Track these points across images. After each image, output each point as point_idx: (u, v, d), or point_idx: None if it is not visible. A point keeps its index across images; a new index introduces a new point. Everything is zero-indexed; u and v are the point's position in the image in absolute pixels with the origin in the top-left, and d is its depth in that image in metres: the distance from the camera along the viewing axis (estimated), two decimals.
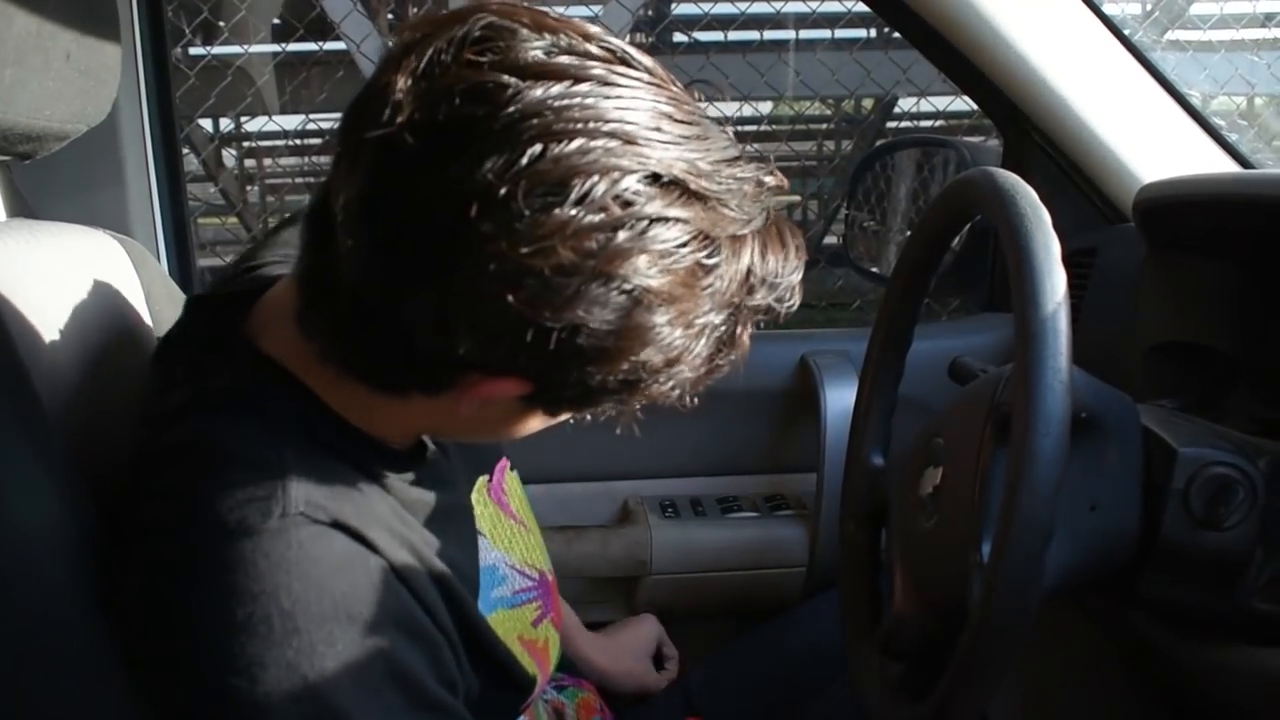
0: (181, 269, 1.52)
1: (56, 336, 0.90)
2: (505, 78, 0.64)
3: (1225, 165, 1.41)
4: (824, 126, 7.43)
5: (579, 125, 0.64)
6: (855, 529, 1.14)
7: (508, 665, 0.91)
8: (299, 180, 6.76)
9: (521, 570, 1.02)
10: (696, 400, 0.77)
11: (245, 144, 7.02)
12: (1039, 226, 0.85)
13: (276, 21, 4.82)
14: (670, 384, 0.74)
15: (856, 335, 1.60)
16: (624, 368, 0.70)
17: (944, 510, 0.96)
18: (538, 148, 0.63)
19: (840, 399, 1.49)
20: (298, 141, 5.71)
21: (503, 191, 0.63)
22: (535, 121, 0.64)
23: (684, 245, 0.68)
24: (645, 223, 0.66)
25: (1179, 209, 1.19)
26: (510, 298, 0.65)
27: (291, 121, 5.71)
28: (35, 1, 0.89)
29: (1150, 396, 1.19)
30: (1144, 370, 1.24)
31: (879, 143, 5.65)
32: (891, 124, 6.67)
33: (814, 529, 1.53)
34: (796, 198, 8.02)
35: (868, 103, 6.91)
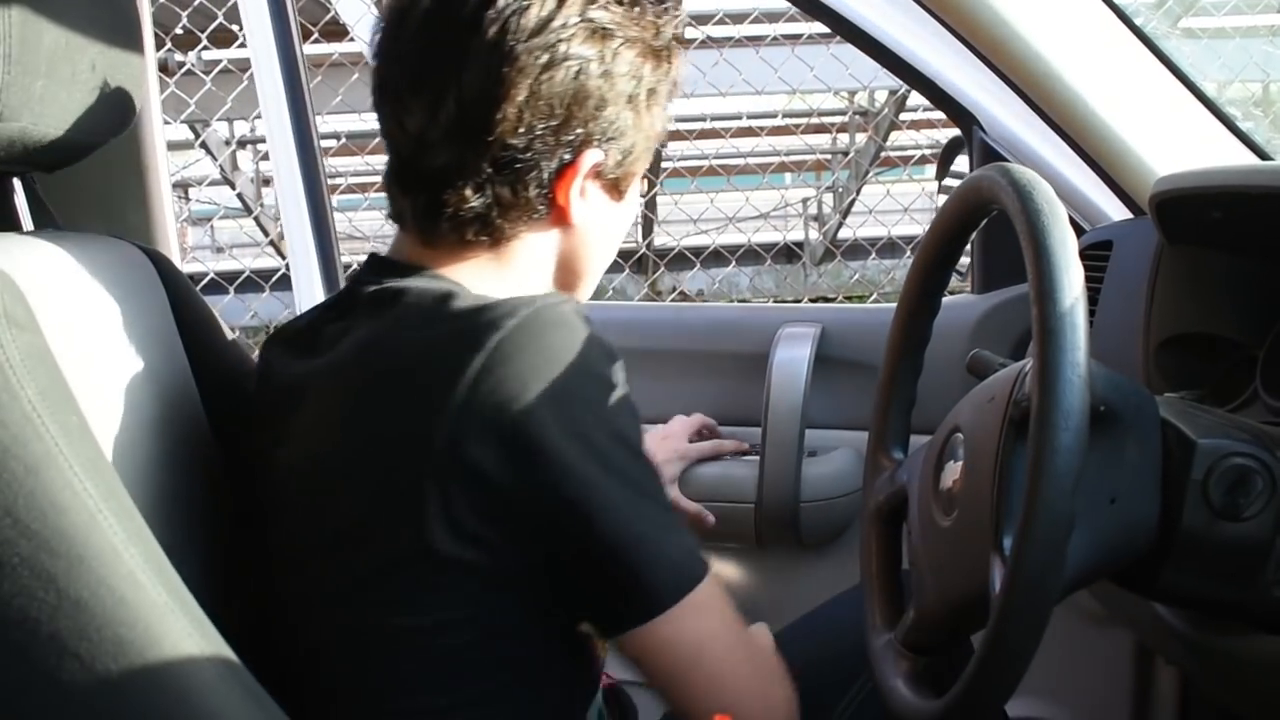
0: None
1: (88, 346, 0.91)
2: None
3: (1241, 156, 1.41)
4: (838, 120, 7.42)
5: None
6: (876, 524, 1.15)
7: None
8: None
9: None
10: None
11: (261, 147, 7.05)
12: (1055, 221, 0.86)
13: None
14: (655, 114, 1.03)
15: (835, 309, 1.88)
16: (621, 89, 0.98)
17: (964, 505, 0.96)
18: None
19: (788, 355, 1.70)
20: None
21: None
22: None
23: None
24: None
25: (1195, 202, 1.19)
26: (546, 74, 0.94)
27: None
28: (62, 13, 0.90)
29: (1165, 389, 1.19)
30: (1159, 362, 1.24)
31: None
32: (906, 116, 6.66)
33: (760, 470, 1.69)
34: (811, 191, 8.01)
35: (881, 96, 6.90)
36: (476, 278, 0.99)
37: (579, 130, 0.97)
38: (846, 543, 1.75)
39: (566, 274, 1.06)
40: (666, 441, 1.69)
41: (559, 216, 1.01)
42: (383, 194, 1.05)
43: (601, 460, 0.90)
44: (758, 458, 1.72)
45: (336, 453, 0.96)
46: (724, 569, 1.80)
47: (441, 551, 0.89)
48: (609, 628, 0.97)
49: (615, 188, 1.04)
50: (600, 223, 1.05)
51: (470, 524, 0.88)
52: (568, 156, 0.98)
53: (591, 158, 0.99)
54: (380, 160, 1.06)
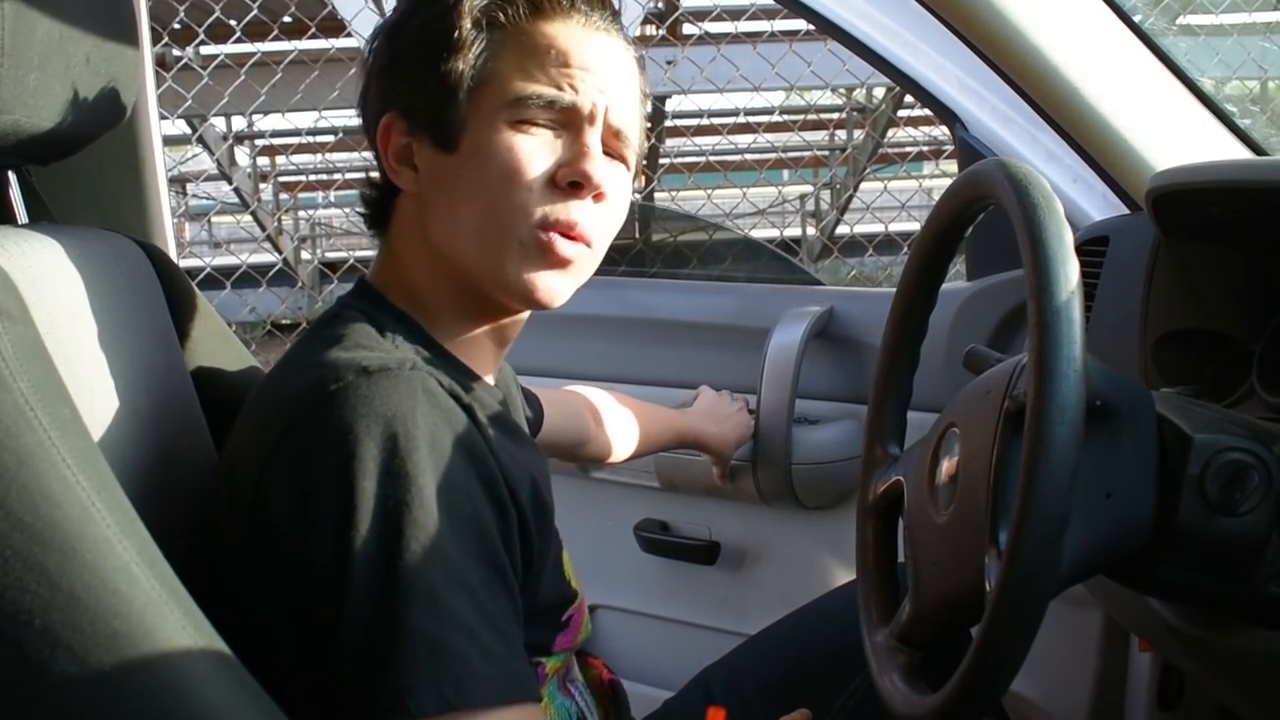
0: None
1: (82, 339, 0.91)
2: None
3: (1238, 152, 1.41)
4: (836, 116, 7.42)
5: None
6: (872, 519, 1.14)
7: (559, 568, 1.08)
8: (312, 177, 6.79)
9: None
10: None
11: (258, 142, 7.05)
12: (1052, 216, 0.86)
13: (288, 19, 4.83)
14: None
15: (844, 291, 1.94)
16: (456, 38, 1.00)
17: (960, 500, 0.96)
18: None
19: (787, 329, 1.80)
20: (310, 139, 5.72)
21: None
22: None
23: None
24: None
25: (1192, 197, 1.19)
26: None
27: (304, 119, 5.73)
28: (56, 5, 0.90)
29: (1161, 384, 1.19)
30: (1155, 357, 1.24)
31: None
32: (903, 113, 6.67)
33: (755, 432, 1.81)
34: (809, 187, 8.02)
35: (879, 92, 6.90)
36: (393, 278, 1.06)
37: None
38: (849, 508, 1.81)
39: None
40: (742, 413, 1.80)
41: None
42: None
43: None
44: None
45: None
46: (734, 523, 1.96)
47: None
48: None
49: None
50: (439, 177, 1.04)
51: None
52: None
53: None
54: None
